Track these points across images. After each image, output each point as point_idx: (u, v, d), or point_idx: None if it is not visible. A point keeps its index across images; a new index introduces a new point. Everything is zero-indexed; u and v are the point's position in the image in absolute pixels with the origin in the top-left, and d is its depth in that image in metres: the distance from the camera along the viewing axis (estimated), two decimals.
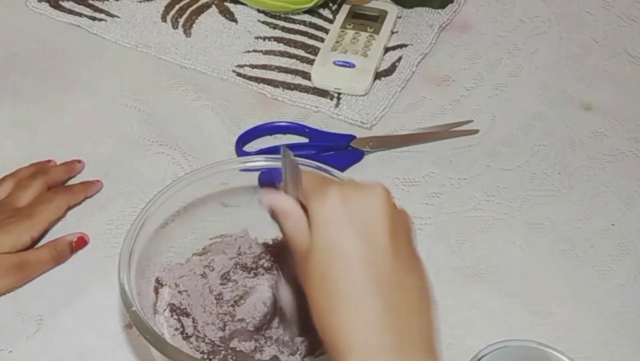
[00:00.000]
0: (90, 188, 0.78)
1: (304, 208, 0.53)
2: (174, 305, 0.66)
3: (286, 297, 0.63)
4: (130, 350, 0.67)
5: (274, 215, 0.56)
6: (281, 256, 0.67)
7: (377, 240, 0.50)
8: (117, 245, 0.64)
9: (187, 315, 0.66)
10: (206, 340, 0.64)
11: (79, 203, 0.77)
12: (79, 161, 0.80)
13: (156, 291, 0.67)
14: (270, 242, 0.70)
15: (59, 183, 0.78)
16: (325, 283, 0.50)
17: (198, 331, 0.65)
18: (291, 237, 0.53)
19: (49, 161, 0.80)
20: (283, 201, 0.54)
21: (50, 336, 0.68)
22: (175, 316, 0.66)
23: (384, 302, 0.49)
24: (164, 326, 0.65)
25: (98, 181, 0.78)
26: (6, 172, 0.79)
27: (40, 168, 0.78)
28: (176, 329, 0.65)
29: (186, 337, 0.65)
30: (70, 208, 0.76)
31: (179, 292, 0.67)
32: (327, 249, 0.50)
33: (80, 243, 0.73)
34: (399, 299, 0.50)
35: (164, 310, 0.66)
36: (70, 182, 0.79)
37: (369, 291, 0.49)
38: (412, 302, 0.51)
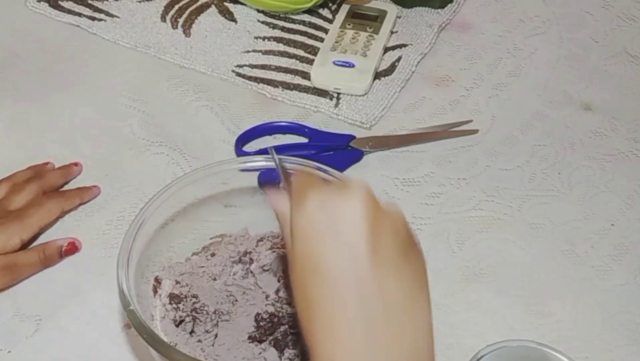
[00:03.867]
0: (86, 194, 0.77)
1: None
2: (173, 293, 0.66)
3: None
4: (130, 350, 0.67)
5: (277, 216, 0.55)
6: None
7: (355, 246, 0.48)
8: (117, 245, 0.64)
9: (187, 297, 0.66)
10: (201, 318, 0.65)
11: (74, 208, 0.77)
12: (76, 164, 0.80)
13: (155, 290, 0.67)
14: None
15: (54, 188, 0.77)
16: (305, 296, 0.49)
17: (196, 311, 0.65)
18: (286, 242, 0.53)
19: (47, 163, 0.80)
20: (280, 203, 0.54)
21: (50, 336, 0.68)
22: (174, 304, 0.66)
23: (363, 314, 0.47)
24: (158, 311, 0.66)
25: (95, 186, 0.78)
26: (5, 172, 0.79)
27: (37, 172, 0.78)
28: (171, 313, 0.66)
29: (180, 322, 0.65)
30: (64, 212, 0.76)
31: (178, 282, 0.68)
32: (305, 260, 0.49)
33: (71, 248, 0.73)
34: (379, 309, 0.48)
35: (163, 298, 0.66)
36: (70, 185, 0.79)
37: (348, 304, 0.47)
38: (394, 310, 0.48)
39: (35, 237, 0.73)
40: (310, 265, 0.49)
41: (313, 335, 0.48)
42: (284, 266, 0.66)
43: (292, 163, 0.69)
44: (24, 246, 0.71)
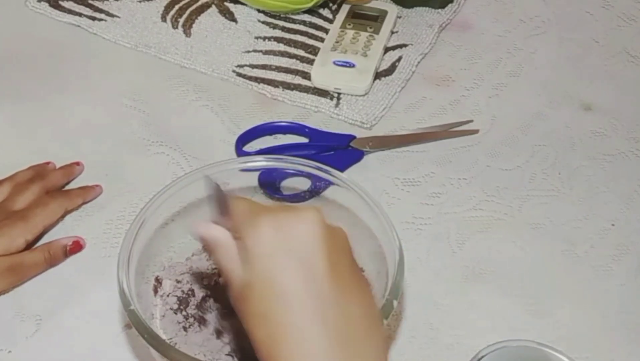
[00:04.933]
0: (89, 193, 0.77)
1: (236, 237, 0.51)
2: (174, 293, 0.67)
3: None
4: (130, 350, 0.67)
5: (205, 247, 0.55)
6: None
7: (315, 267, 0.48)
8: (117, 245, 0.64)
9: (188, 295, 0.66)
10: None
11: (77, 208, 0.77)
12: (78, 164, 0.80)
13: (155, 290, 0.67)
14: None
15: (57, 187, 0.77)
16: (267, 322, 0.48)
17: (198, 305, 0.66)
18: (224, 269, 0.52)
19: (48, 163, 0.80)
20: (213, 231, 0.53)
21: (50, 336, 0.68)
22: (175, 299, 0.66)
23: (329, 334, 0.47)
24: (159, 310, 0.66)
25: (97, 186, 0.78)
26: (5, 172, 0.79)
27: (39, 172, 0.77)
28: (171, 308, 0.66)
29: (179, 310, 0.65)
30: (67, 212, 0.76)
31: (178, 282, 0.68)
32: (265, 285, 0.48)
33: (75, 247, 0.73)
34: (344, 329, 0.48)
35: (163, 296, 0.67)
36: (72, 184, 0.79)
37: (313, 326, 0.47)
38: (358, 329, 0.49)
39: (39, 237, 0.73)
40: (272, 290, 0.48)
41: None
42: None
43: (292, 162, 0.69)
44: (28, 246, 0.71)
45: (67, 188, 0.79)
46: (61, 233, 0.75)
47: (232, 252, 0.51)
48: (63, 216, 0.75)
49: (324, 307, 0.48)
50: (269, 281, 0.48)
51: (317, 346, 0.47)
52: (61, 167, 0.79)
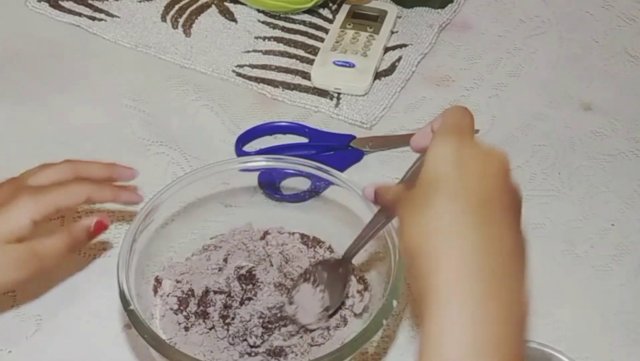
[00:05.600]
0: (123, 193, 0.68)
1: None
2: (174, 293, 0.67)
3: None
4: (130, 350, 0.67)
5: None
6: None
7: (474, 196, 0.49)
8: (117, 245, 0.64)
9: (188, 295, 0.67)
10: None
11: (104, 202, 0.68)
12: (130, 169, 0.70)
13: (155, 290, 0.67)
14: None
15: (91, 177, 0.68)
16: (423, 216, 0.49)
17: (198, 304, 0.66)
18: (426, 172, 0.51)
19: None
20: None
21: (50, 336, 0.68)
22: (175, 299, 0.66)
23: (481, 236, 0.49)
24: (158, 310, 0.66)
25: (136, 193, 0.69)
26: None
27: (79, 161, 0.68)
28: (171, 308, 0.66)
29: (179, 310, 0.66)
30: (91, 201, 0.66)
31: (178, 282, 0.68)
32: (428, 183, 0.50)
33: (99, 227, 0.65)
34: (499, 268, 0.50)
35: (163, 296, 0.67)
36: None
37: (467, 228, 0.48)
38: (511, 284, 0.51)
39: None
40: (428, 189, 0.50)
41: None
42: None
43: (292, 162, 0.69)
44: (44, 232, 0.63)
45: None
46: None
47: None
48: (88, 203, 0.67)
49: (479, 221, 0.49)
50: (433, 183, 0.50)
51: (467, 242, 0.48)
52: (105, 163, 0.69)
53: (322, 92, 0.88)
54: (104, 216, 0.66)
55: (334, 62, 0.89)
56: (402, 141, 0.84)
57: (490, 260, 0.49)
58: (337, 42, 0.91)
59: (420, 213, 0.49)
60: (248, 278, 0.67)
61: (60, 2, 0.97)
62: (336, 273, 0.66)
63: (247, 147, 0.83)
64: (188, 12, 0.97)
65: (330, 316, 0.65)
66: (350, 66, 0.88)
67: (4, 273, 0.61)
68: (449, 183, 0.50)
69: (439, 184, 0.50)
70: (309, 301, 0.64)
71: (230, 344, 0.64)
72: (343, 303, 0.66)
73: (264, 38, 0.94)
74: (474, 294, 0.47)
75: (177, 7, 0.97)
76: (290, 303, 0.65)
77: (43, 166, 0.66)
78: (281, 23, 0.96)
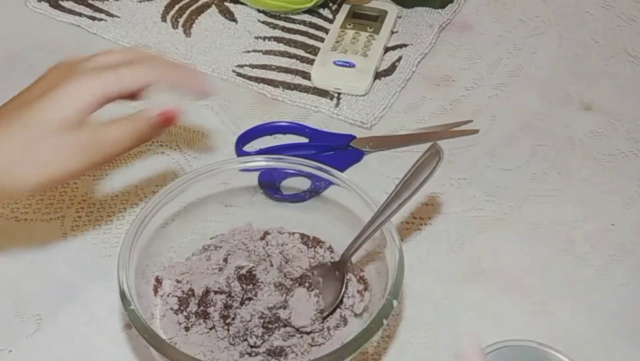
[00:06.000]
0: (199, 79, 0.62)
1: None
2: (174, 293, 0.67)
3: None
4: (130, 350, 0.67)
5: None
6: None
7: None
8: (117, 245, 0.64)
9: (188, 295, 0.67)
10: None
11: (177, 87, 0.62)
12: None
13: (155, 290, 0.67)
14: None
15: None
16: None
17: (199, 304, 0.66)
18: None
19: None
20: None
21: (50, 335, 0.68)
22: (175, 299, 0.66)
23: None
24: (159, 310, 0.66)
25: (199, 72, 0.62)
26: None
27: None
28: (171, 308, 0.66)
29: (179, 311, 0.66)
30: (161, 82, 0.60)
31: (179, 282, 0.68)
32: None
33: (168, 118, 0.59)
34: None
35: (163, 296, 0.67)
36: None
37: None
38: None
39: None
40: None
41: None
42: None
43: (292, 162, 0.69)
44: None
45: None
46: (59, 235, 0.75)
47: None
48: (165, 84, 0.61)
49: None
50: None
51: None
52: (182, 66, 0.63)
53: (322, 92, 0.88)
54: (175, 107, 0.60)
55: (334, 62, 0.89)
56: (402, 141, 0.84)
57: None
58: (337, 42, 0.91)
59: None
60: (248, 278, 0.67)
61: (60, 2, 0.97)
62: (332, 275, 0.66)
63: (247, 147, 0.83)
64: (188, 12, 0.97)
65: (325, 318, 0.65)
66: (350, 65, 0.88)
67: (66, 162, 0.58)
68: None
69: None
70: (304, 306, 0.64)
71: (231, 344, 0.64)
72: (341, 303, 0.66)
73: (264, 38, 0.94)
74: None
75: (177, 7, 0.97)
76: (284, 307, 0.65)
77: (101, 53, 0.60)
78: (281, 23, 0.96)
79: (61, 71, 0.59)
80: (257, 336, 0.64)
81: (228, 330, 0.65)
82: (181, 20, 0.96)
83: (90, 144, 0.58)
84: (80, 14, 0.96)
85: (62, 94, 0.57)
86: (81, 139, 0.58)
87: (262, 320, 0.65)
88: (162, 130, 0.61)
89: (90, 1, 0.98)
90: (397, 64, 0.91)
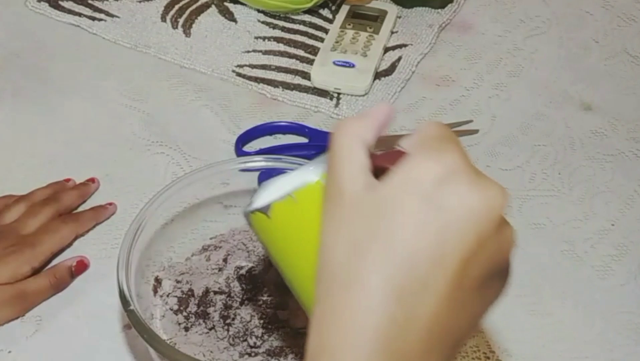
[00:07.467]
0: (101, 214, 0.76)
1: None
2: (174, 293, 0.67)
3: None
4: (130, 350, 0.67)
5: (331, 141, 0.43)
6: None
7: (447, 254, 0.38)
8: (117, 245, 0.64)
9: (188, 295, 0.67)
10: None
11: (88, 231, 0.75)
12: (93, 181, 0.78)
13: (155, 291, 0.67)
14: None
15: (71, 209, 0.76)
16: (346, 242, 0.39)
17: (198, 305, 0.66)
18: (338, 165, 0.42)
19: (68, 180, 0.78)
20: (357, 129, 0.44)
21: (50, 336, 0.68)
22: (175, 299, 0.66)
23: (401, 316, 0.38)
24: (159, 310, 0.66)
25: (110, 204, 0.76)
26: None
27: (56, 191, 0.76)
28: (171, 309, 0.66)
29: (179, 311, 0.66)
30: (78, 236, 0.74)
31: (178, 282, 0.68)
32: (378, 215, 0.39)
33: (80, 267, 0.71)
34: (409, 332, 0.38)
35: (163, 296, 0.67)
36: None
37: (383, 296, 0.38)
38: (419, 341, 0.39)
39: (46, 263, 0.71)
40: (377, 224, 0.39)
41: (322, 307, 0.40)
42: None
43: (292, 162, 0.69)
44: (35, 272, 0.70)
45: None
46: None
47: (360, 153, 0.42)
48: (73, 241, 0.74)
49: (413, 292, 0.38)
50: (384, 216, 0.39)
51: (368, 306, 0.38)
52: (77, 187, 0.77)
53: (322, 92, 0.88)
54: (84, 257, 0.72)
55: (334, 62, 0.89)
56: None
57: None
58: (337, 42, 0.91)
59: (355, 234, 0.39)
60: (248, 278, 0.67)
61: (60, 2, 0.97)
62: None
63: (247, 147, 0.83)
64: (188, 12, 0.97)
65: None
66: (350, 66, 0.88)
67: None
68: (406, 224, 0.38)
69: (393, 219, 0.39)
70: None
71: (231, 344, 0.64)
72: None
73: (264, 38, 0.94)
74: None
75: (177, 7, 0.97)
76: (284, 308, 0.65)
77: (29, 213, 0.73)
78: (281, 23, 0.96)
79: (5, 243, 0.70)
80: (256, 337, 0.64)
81: (228, 330, 0.65)
82: (181, 20, 0.96)
83: (15, 298, 0.68)
84: (80, 14, 0.96)
85: (9, 264, 0.68)
86: (8, 293, 0.68)
87: (262, 321, 0.65)
88: (78, 276, 0.72)
89: (90, 1, 0.97)
90: (396, 64, 0.91)
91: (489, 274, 0.40)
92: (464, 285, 0.39)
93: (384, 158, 0.42)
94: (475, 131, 0.85)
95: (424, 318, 0.39)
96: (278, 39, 0.94)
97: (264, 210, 0.44)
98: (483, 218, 0.39)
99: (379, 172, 0.41)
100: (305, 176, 0.44)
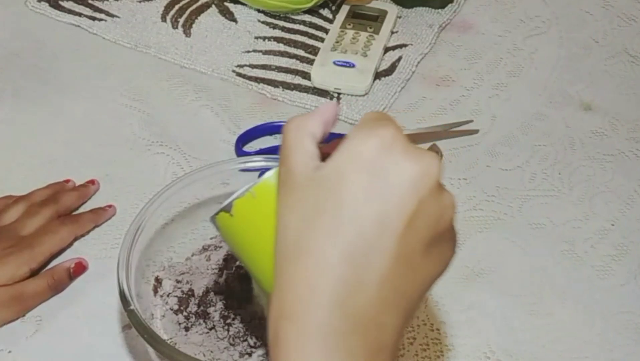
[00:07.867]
0: (100, 217, 0.75)
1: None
2: (174, 293, 0.67)
3: None
4: (130, 350, 0.67)
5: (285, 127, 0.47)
6: None
7: (386, 221, 0.41)
8: (117, 245, 0.64)
9: (188, 295, 0.67)
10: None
11: (87, 233, 0.75)
12: (93, 182, 0.78)
13: (155, 290, 0.67)
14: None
15: (70, 210, 0.76)
16: (300, 219, 0.43)
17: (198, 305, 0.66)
18: (290, 150, 0.45)
19: (67, 181, 0.78)
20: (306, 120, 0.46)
21: (50, 336, 0.68)
22: (175, 299, 0.66)
23: (352, 277, 0.41)
24: (159, 310, 0.66)
25: (109, 206, 0.76)
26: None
27: (55, 191, 0.76)
28: (171, 308, 0.66)
29: (179, 311, 0.66)
30: (77, 238, 0.74)
31: (178, 282, 0.68)
32: (327, 190, 0.42)
33: (79, 268, 0.71)
34: (373, 287, 0.41)
35: (163, 296, 0.67)
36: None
37: (337, 261, 0.41)
38: (379, 304, 0.42)
39: (45, 264, 0.71)
40: (327, 197, 0.42)
41: (285, 272, 0.42)
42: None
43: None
44: (33, 273, 0.69)
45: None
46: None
47: (308, 143, 0.45)
48: (72, 243, 0.73)
49: (362, 254, 0.41)
50: (331, 189, 0.42)
51: (328, 276, 0.41)
52: (76, 188, 0.77)
53: (322, 92, 0.88)
54: (83, 258, 0.72)
55: (334, 62, 0.89)
56: None
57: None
58: (337, 42, 0.91)
59: (308, 208, 0.43)
60: (248, 278, 0.67)
61: (60, 2, 0.97)
62: None
63: (247, 147, 0.83)
64: (188, 12, 0.97)
65: None
66: (350, 66, 0.88)
67: None
68: (351, 194, 0.42)
69: (340, 191, 0.42)
70: None
71: (231, 344, 0.64)
72: None
73: (264, 38, 0.94)
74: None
75: (177, 7, 0.97)
76: None
77: (28, 213, 0.73)
78: (281, 23, 0.96)
79: (4, 243, 0.70)
80: (257, 337, 0.64)
81: (228, 330, 0.65)
82: (181, 20, 0.96)
83: (13, 299, 0.68)
84: (80, 14, 0.96)
85: (6, 265, 0.68)
86: (7, 295, 0.67)
87: (262, 321, 0.65)
88: (76, 278, 0.71)
89: (90, 1, 0.97)
90: (397, 64, 0.91)
91: (433, 238, 0.43)
92: (410, 246, 0.42)
93: (331, 147, 0.45)
94: (476, 131, 0.85)
95: (375, 279, 0.42)
96: (278, 39, 0.94)
97: (227, 208, 0.48)
98: (420, 183, 0.42)
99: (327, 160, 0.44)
100: (265, 174, 0.47)
